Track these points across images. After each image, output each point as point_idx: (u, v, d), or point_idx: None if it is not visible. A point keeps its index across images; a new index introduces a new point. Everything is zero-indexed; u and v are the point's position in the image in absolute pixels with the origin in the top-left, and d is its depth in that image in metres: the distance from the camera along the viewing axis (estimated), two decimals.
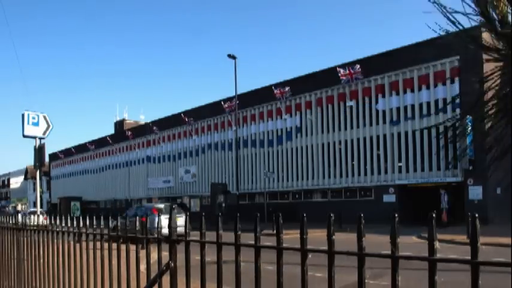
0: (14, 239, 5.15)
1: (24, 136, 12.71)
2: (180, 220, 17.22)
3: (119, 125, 61.81)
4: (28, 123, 12.56)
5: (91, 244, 3.56)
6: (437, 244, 1.58)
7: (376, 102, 29.95)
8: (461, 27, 1.56)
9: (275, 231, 2.15)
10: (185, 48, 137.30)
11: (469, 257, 1.47)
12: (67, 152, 67.14)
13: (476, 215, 1.50)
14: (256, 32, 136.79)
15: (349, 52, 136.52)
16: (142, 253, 2.95)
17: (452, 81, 26.37)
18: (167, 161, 47.49)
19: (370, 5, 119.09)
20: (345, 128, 31.62)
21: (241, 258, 2.28)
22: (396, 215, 1.69)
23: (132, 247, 3.16)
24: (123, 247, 3.20)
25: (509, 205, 20.12)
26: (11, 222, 5.29)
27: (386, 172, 29.38)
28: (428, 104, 27.60)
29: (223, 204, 33.10)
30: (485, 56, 1.65)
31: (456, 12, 1.55)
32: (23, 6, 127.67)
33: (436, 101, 27.12)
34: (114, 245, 3.31)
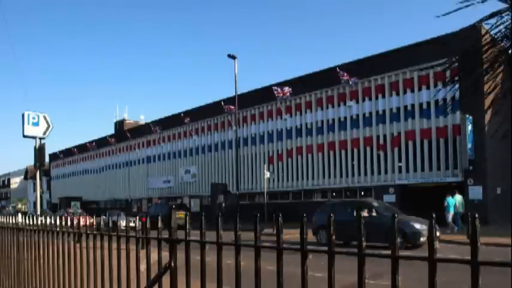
0: (14, 239, 5.15)
1: (24, 136, 12.70)
2: None
3: (119, 125, 61.80)
4: (28, 123, 12.55)
5: (91, 244, 3.56)
6: (437, 244, 1.58)
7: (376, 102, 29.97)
8: None
9: (275, 231, 2.15)
10: (185, 48, 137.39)
11: (469, 257, 1.47)
12: (67, 152, 67.17)
13: (476, 215, 1.50)
14: (256, 31, 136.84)
15: (350, 52, 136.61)
16: (142, 253, 2.95)
17: (453, 81, 26.35)
18: (167, 161, 47.49)
19: (370, 6, 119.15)
20: (345, 128, 31.64)
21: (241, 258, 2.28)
22: (396, 215, 1.69)
23: (132, 247, 3.16)
24: (122, 246, 3.20)
25: (510, 205, 20.13)
26: (11, 222, 5.29)
27: (386, 172, 29.39)
28: (428, 104, 27.61)
29: (224, 204, 33.11)
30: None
31: None
32: (22, 6, 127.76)
33: (436, 101, 27.14)
34: (114, 245, 3.31)
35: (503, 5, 1.58)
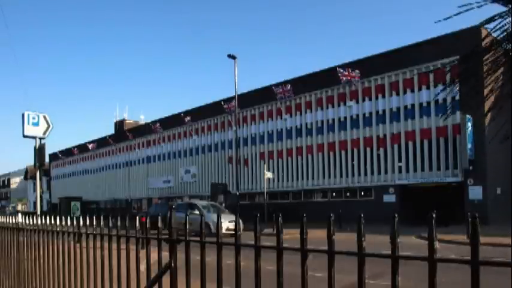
0: (14, 239, 5.15)
1: (24, 136, 12.71)
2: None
3: (119, 125, 61.80)
4: (28, 123, 12.56)
5: (91, 244, 3.56)
6: (437, 244, 1.58)
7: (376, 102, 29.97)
8: None
9: (275, 231, 2.15)
10: (185, 48, 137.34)
11: (469, 257, 1.47)
12: (67, 152, 67.18)
13: (476, 215, 1.50)
14: (256, 31, 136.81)
15: (350, 52, 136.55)
16: (142, 253, 2.95)
17: (453, 81, 26.38)
18: (167, 161, 47.49)
19: (371, 6, 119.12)
20: (345, 128, 31.64)
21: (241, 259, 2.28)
22: (396, 215, 1.69)
23: (132, 247, 3.16)
24: (122, 246, 3.19)
25: (509, 205, 20.13)
26: (11, 222, 5.29)
27: (386, 172, 29.39)
28: (428, 104, 27.62)
29: (224, 204, 33.09)
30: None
31: None
32: (21, 6, 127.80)
33: (436, 101, 27.14)
34: (114, 245, 3.31)
35: (503, 8, 1.58)
